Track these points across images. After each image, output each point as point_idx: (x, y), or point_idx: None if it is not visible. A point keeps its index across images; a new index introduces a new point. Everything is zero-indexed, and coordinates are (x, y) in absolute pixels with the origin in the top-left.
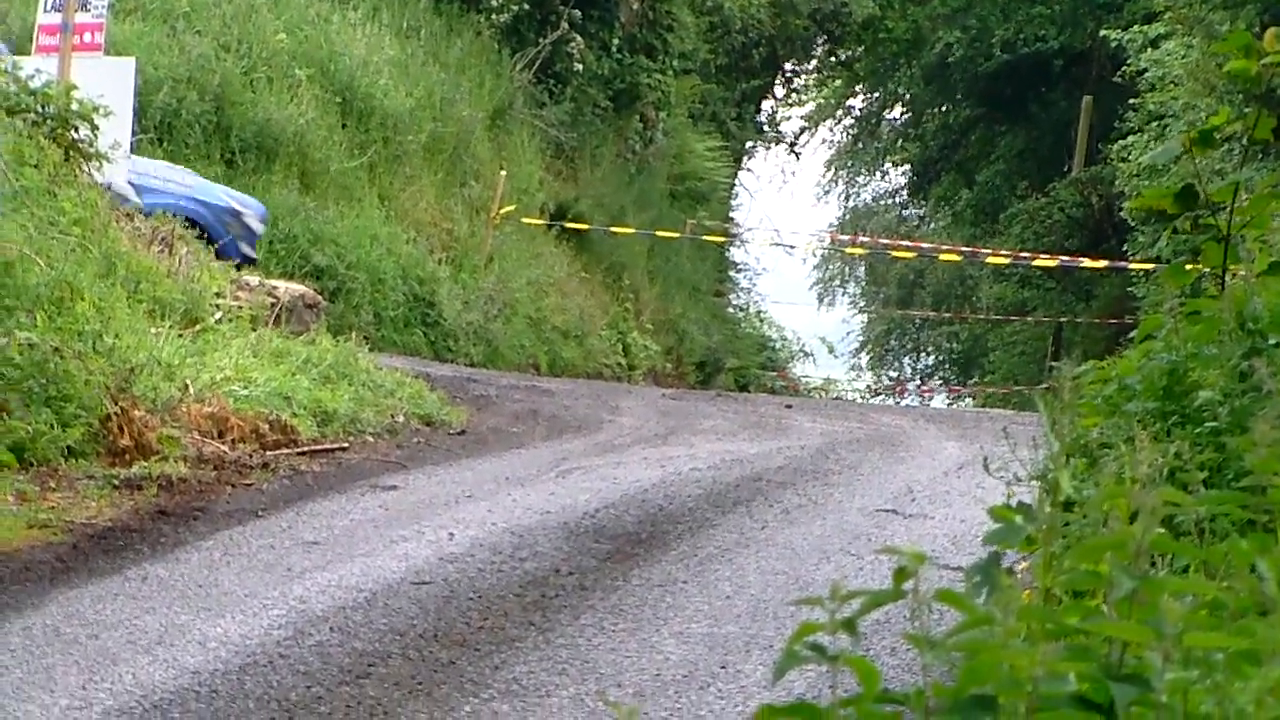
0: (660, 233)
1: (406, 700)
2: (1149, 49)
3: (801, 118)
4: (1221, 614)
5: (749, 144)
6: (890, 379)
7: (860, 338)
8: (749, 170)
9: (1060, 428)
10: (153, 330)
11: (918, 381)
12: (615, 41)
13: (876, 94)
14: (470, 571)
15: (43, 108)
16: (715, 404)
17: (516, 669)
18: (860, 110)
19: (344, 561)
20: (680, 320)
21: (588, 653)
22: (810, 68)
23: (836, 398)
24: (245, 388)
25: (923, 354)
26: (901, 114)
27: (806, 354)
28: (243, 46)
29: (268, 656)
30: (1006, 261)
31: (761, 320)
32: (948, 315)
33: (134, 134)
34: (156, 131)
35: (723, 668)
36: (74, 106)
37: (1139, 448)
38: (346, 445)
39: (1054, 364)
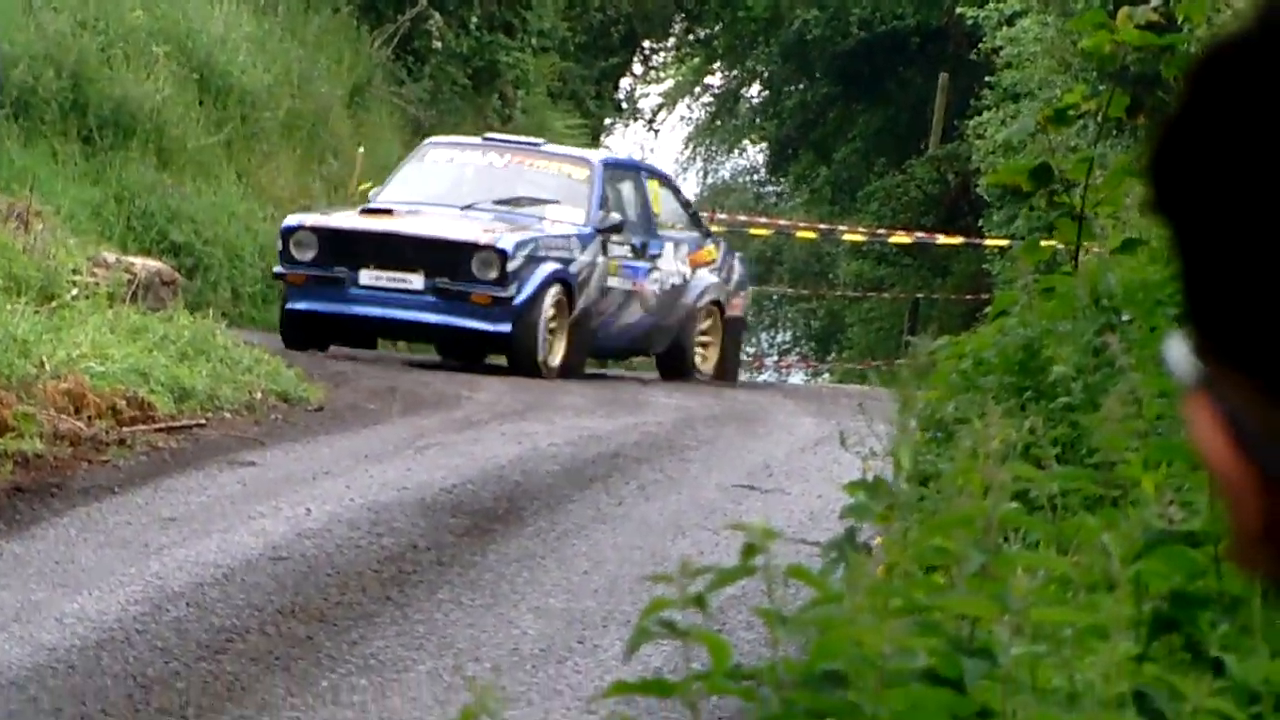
0: None
1: (264, 675)
2: (1004, 26)
3: (660, 95)
4: (1069, 589)
5: (608, 121)
6: (747, 355)
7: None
8: (608, 148)
9: (909, 404)
10: (8, 307)
11: (775, 357)
12: (474, 19)
13: (734, 72)
14: (328, 547)
15: None
16: (573, 380)
17: (374, 644)
18: (718, 88)
19: (201, 538)
20: None
21: (445, 628)
22: (669, 45)
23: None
24: (102, 364)
25: (780, 330)
26: (759, 92)
27: None
28: (100, 23)
29: (125, 633)
30: (863, 238)
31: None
32: (805, 292)
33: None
34: (13, 108)
35: (580, 642)
36: None
37: (991, 423)
38: (204, 422)
39: (910, 339)
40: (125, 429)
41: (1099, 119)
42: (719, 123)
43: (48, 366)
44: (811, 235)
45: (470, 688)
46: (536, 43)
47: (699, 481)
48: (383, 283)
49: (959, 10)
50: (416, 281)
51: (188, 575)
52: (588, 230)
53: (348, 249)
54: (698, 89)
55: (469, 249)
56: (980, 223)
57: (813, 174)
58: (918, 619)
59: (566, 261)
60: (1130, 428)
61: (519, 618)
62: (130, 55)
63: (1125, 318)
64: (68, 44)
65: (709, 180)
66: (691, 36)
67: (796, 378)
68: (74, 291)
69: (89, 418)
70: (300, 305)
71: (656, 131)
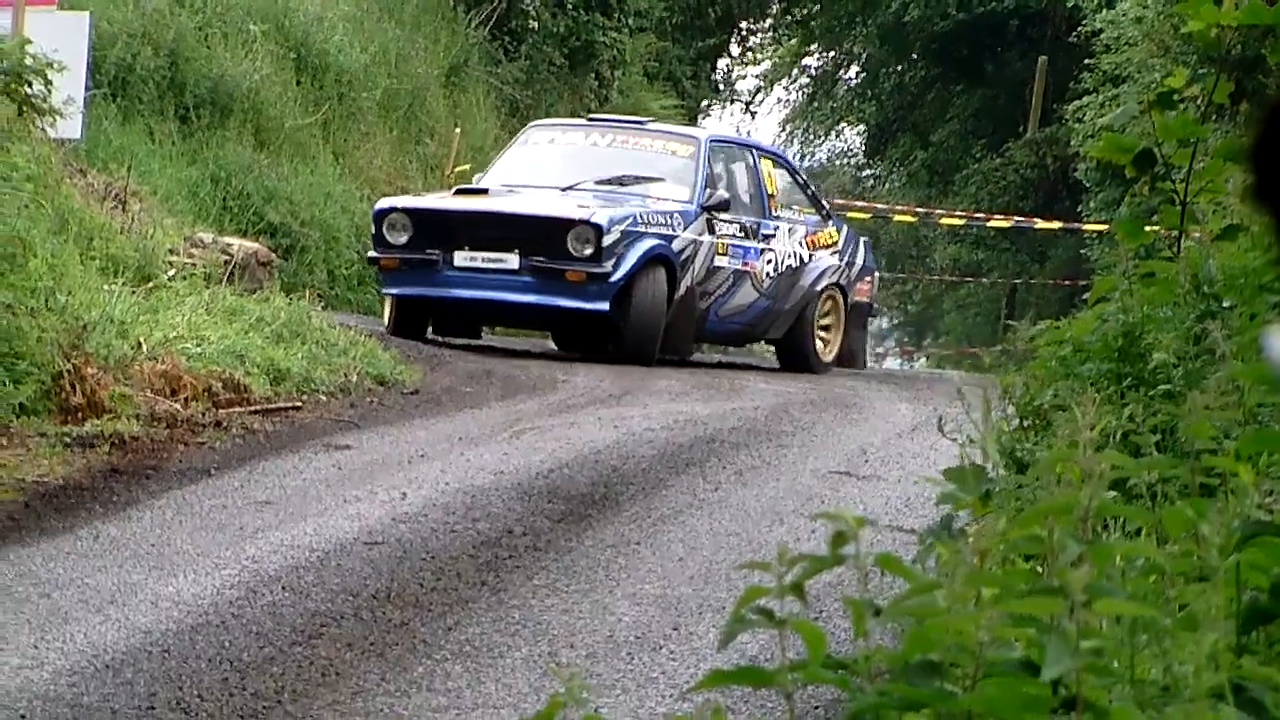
0: None
1: (359, 661)
2: (1104, 9)
3: (757, 77)
4: (1164, 579)
5: (705, 103)
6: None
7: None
8: (699, 132)
9: (1006, 391)
10: (105, 287)
11: (872, 343)
12: None
13: (832, 53)
14: (423, 532)
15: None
16: (670, 364)
17: (469, 630)
18: (816, 70)
19: (296, 521)
20: None
21: (540, 614)
22: (766, 26)
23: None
24: (198, 346)
25: (878, 318)
26: (857, 74)
27: None
28: (197, 1)
29: (220, 616)
30: (961, 222)
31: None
32: (902, 276)
33: (88, 89)
34: (110, 87)
35: (675, 629)
36: (28, 62)
37: (1088, 410)
38: (300, 404)
39: (1009, 323)
40: (221, 411)
41: (1202, 104)
42: (816, 105)
43: (144, 347)
44: (909, 219)
45: (559, 675)
46: (633, 23)
47: (796, 468)
48: (478, 263)
49: None
50: (511, 261)
51: (283, 559)
52: (692, 208)
53: (442, 230)
54: (795, 71)
55: (563, 225)
56: (1079, 208)
57: (910, 157)
58: (1015, 608)
59: (668, 239)
60: (1229, 416)
61: (614, 604)
62: (227, 34)
63: (1226, 304)
64: (165, 22)
65: (806, 163)
66: (789, 17)
67: (892, 363)
68: (170, 272)
69: (185, 399)
70: (394, 290)
71: (754, 113)
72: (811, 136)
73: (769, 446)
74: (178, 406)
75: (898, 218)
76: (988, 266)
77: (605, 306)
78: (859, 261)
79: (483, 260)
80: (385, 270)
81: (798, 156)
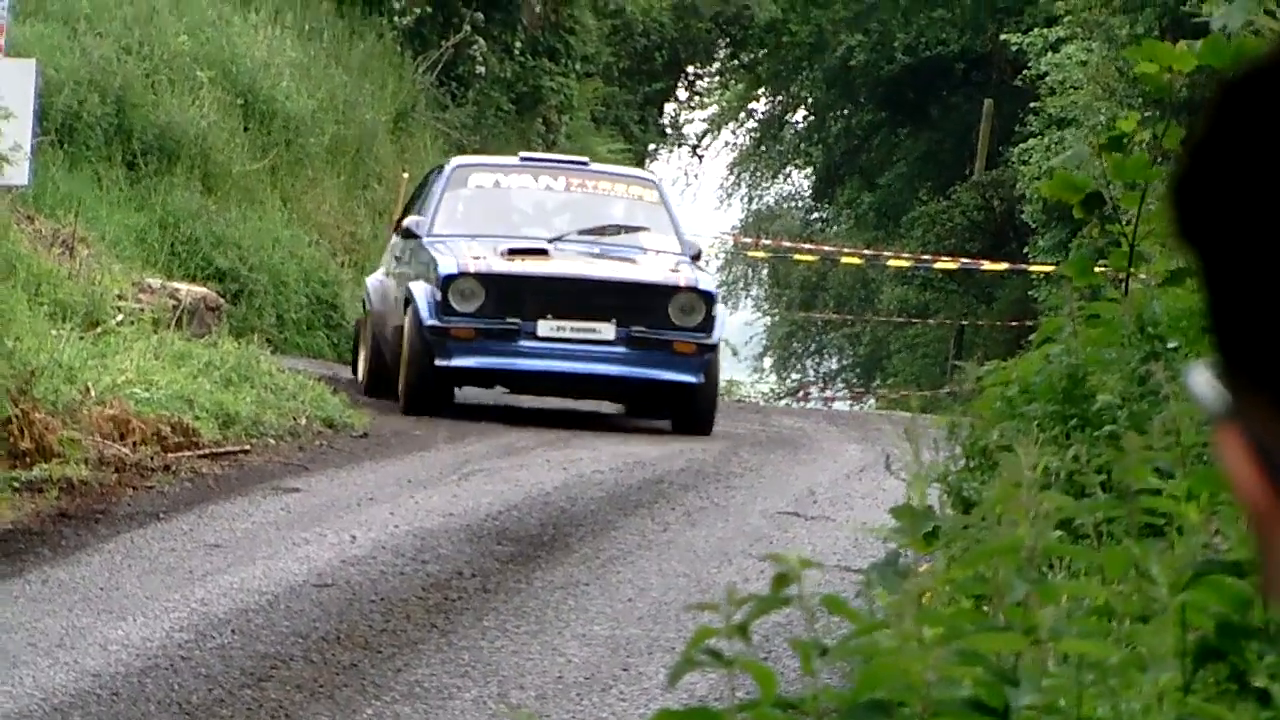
0: None
1: (309, 703)
2: (1049, 53)
3: (704, 120)
4: (1112, 619)
5: (652, 147)
6: (793, 382)
7: (763, 341)
8: (652, 173)
9: (952, 431)
10: (54, 332)
11: (820, 385)
12: (518, 44)
13: (779, 97)
14: (373, 574)
15: None
16: (618, 406)
17: (419, 671)
18: (763, 114)
19: (246, 564)
20: None
21: (490, 655)
22: (713, 70)
23: (739, 401)
24: (147, 390)
25: (825, 357)
26: (804, 118)
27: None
28: (144, 48)
29: (169, 659)
30: (908, 264)
31: None
32: (850, 318)
33: (35, 136)
34: (58, 134)
35: (625, 670)
36: None
37: (1030, 451)
38: (249, 448)
39: (957, 363)
40: (170, 455)
41: (1150, 149)
42: (764, 148)
43: (93, 392)
44: (856, 261)
45: (510, 716)
46: (580, 68)
47: (745, 508)
48: (565, 333)
49: (1003, 37)
50: (606, 331)
51: (232, 602)
52: (688, 259)
53: (521, 296)
54: (742, 115)
55: (666, 292)
56: (1025, 249)
57: (857, 200)
58: (961, 648)
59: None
60: (1170, 456)
61: (564, 645)
62: (174, 80)
63: (1171, 345)
64: (112, 69)
65: (754, 206)
66: (735, 62)
67: (841, 404)
68: (119, 317)
69: (134, 444)
70: (466, 361)
71: (701, 157)
72: (759, 180)
73: (717, 487)
74: (126, 451)
75: (845, 259)
76: (935, 308)
77: (700, 378)
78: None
79: (572, 330)
80: (455, 340)
81: (745, 199)
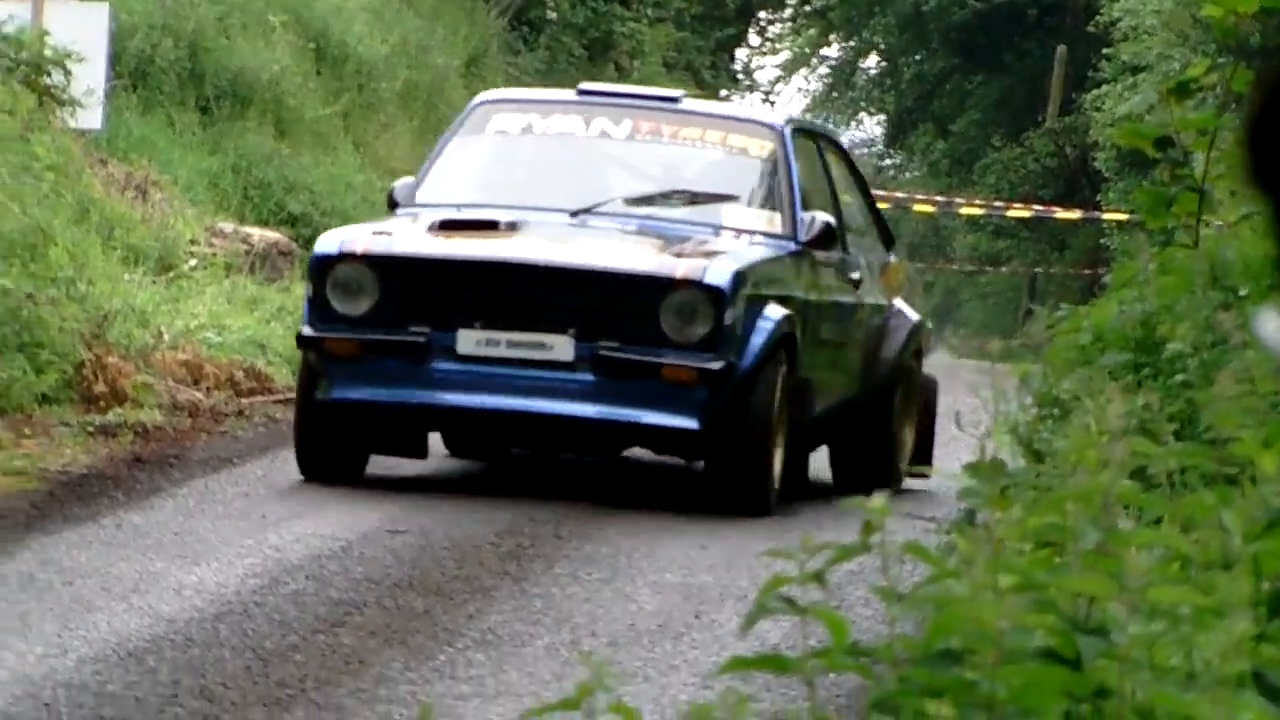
0: None
1: (382, 649)
2: None
3: (776, 66)
4: (1187, 567)
5: (724, 93)
6: None
7: None
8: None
9: (1026, 382)
10: (126, 277)
11: None
12: None
13: (851, 43)
14: (446, 520)
15: (15, 54)
16: None
17: (491, 618)
18: (835, 59)
19: (318, 510)
20: None
21: (562, 602)
22: (785, 16)
23: None
24: (220, 335)
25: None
26: (876, 63)
27: None
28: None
29: (243, 605)
30: (981, 212)
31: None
32: (921, 266)
33: (108, 80)
34: (130, 78)
35: (696, 618)
36: (47, 53)
37: (1109, 399)
38: None
39: (1031, 307)
40: (243, 400)
41: (1219, 93)
42: (836, 95)
43: (166, 337)
44: (929, 209)
45: (585, 662)
46: (652, 13)
47: (819, 459)
48: (499, 350)
49: None
50: (561, 347)
51: (305, 548)
52: (791, 244)
53: (434, 292)
54: (814, 60)
55: (656, 287)
56: (1098, 197)
57: (930, 147)
58: (1034, 596)
59: (787, 302)
60: (1249, 404)
61: (636, 592)
62: (247, 25)
63: (1243, 293)
64: (185, 13)
65: None
66: (807, 7)
67: None
68: (192, 262)
69: (207, 388)
70: (347, 394)
71: (773, 103)
72: (831, 126)
73: None
74: (200, 396)
75: (918, 207)
76: (1007, 255)
77: (697, 424)
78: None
79: (507, 345)
80: (333, 359)
81: None
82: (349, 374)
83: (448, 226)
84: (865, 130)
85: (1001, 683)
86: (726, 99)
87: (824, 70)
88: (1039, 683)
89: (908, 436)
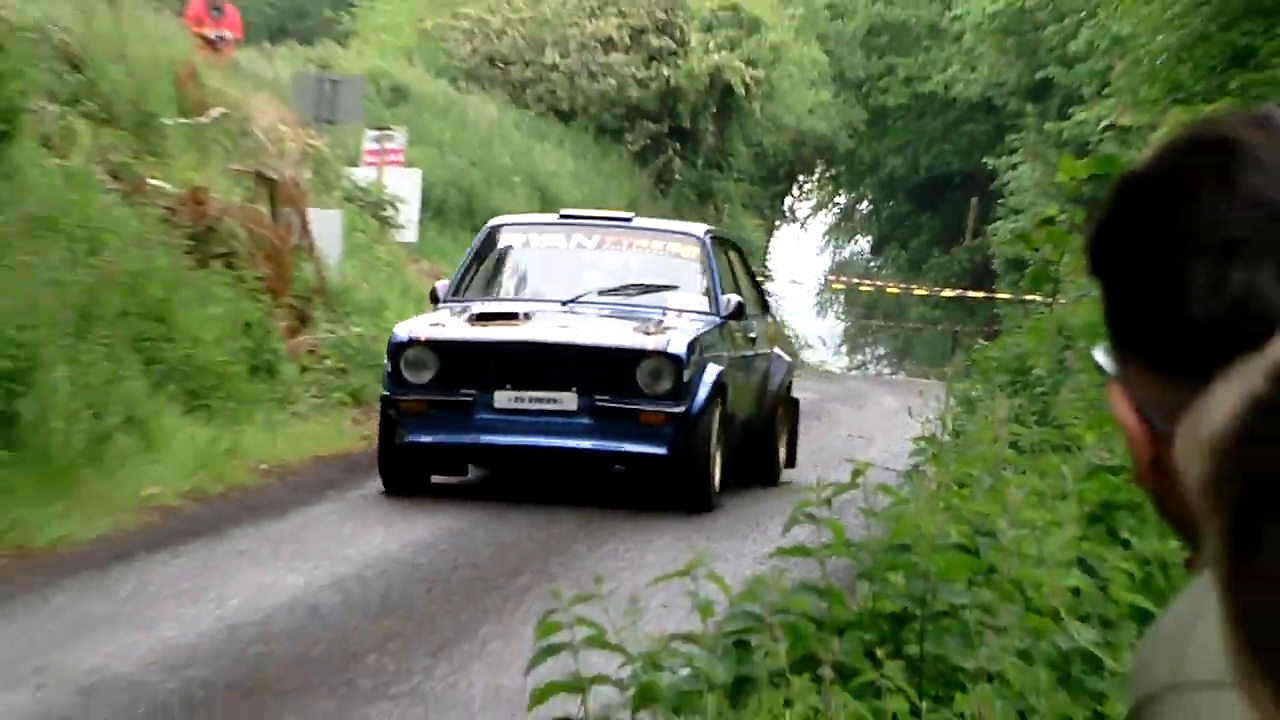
0: None
1: (465, 597)
2: (1011, 170)
3: (809, 207)
4: (1042, 498)
5: (776, 222)
6: (858, 360)
7: (840, 336)
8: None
9: (951, 390)
10: None
11: (874, 363)
12: (700, 160)
13: (852, 194)
14: (487, 518)
15: (367, 197)
16: None
17: (527, 576)
18: (842, 204)
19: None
20: None
21: (590, 559)
22: (814, 177)
23: (826, 371)
24: None
25: (877, 346)
26: (866, 206)
27: (809, 345)
28: (483, 163)
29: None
30: (926, 293)
31: (783, 324)
32: (891, 324)
33: (420, 213)
34: (432, 212)
35: (754, 527)
36: (385, 197)
37: (998, 402)
38: None
39: (954, 351)
40: None
41: (1067, 224)
42: (842, 224)
43: None
44: (896, 291)
45: (693, 552)
46: (736, 175)
47: (827, 434)
48: (524, 404)
49: (984, 160)
50: (568, 401)
51: (412, 535)
52: (717, 320)
53: (476, 365)
54: (831, 204)
55: (633, 357)
56: (994, 285)
57: (898, 255)
58: (954, 514)
59: (720, 360)
60: (1078, 405)
61: (643, 555)
62: (501, 182)
63: (1080, 343)
64: (465, 175)
65: (836, 258)
66: (828, 174)
67: (886, 374)
68: None
69: None
70: (420, 438)
71: (805, 229)
72: (840, 243)
73: (813, 422)
74: None
75: (889, 290)
76: (941, 320)
77: (681, 450)
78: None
79: (529, 400)
80: (406, 414)
81: (832, 254)
82: (418, 424)
83: (482, 318)
84: (859, 245)
85: (933, 563)
86: (778, 227)
87: (836, 210)
88: (954, 564)
89: (783, 445)
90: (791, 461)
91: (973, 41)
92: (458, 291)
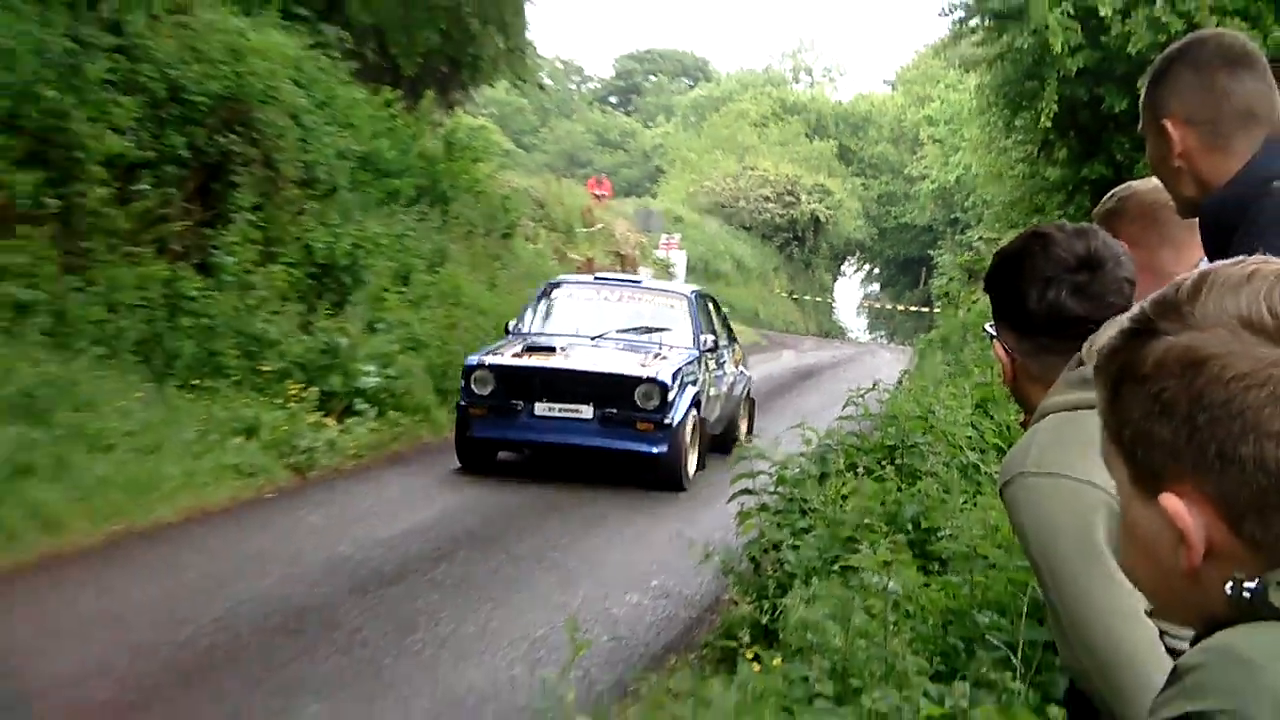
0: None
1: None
2: (941, 255)
3: (852, 270)
4: (955, 396)
5: (839, 277)
6: (873, 337)
7: (865, 326)
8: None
9: (916, 353)
10: None
11: (881, 338)
12: (806, 250)
13: (871, 263)
14: (526, 489)
15: (663, 265)
16: (812, 340)
17: (557, 530)
18: (867, 268)
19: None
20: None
21: (605, 519)
22: (855, 256)
23: (858, 341)
24: None
25: (880, 331)
26: (878, 269)
27: (850, 330)
28: (711, 249)
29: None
30: (904, 308)
31: (839, 323)
32: (887, 321)
33: (685, 273)
34: (689, 273)
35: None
36: (669, 264)
37: (936, 356)
38: None
39: (919, 336)
40: None
41: (962, 281)
42: (867, 275)
43: None
44: (890, 306)
45: (690, 540)
46: (821, 257)
47: (850, 376)
48: (555, 413)
49: (929, 251)
50: (586, 412)
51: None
52: (695, 352)
53: (523, 384)
54: (861, 267)
55: (632, 382)
56: (934, 305)
57: (892, 290)
58: (916, 401)
59: (696, 382)
60: (973, 356)
61: (638, 513)
62: (717, 256)
63: (979, 326)
64: (703, 255)
65: (865, 290)
66: (862, 255)
67: (883, 341)
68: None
69: None
70: (484, 433)
71: (850, 278)
72: (866, 284)
73: (842, 369)
74: None
75: (887, 306)
76: (910, 320)
77: (665, 449)
78: (748, 369)
79: (559, 410)
80: (475, 416)
81: (862, 288)
82: (481, 423)
83: (529, 349)
84: (874, 285)
85: (907, 424)
86: (834, 284)
87: (864, 270)
88: (915, 424)
89: (743, 428)
90: (750, 433)
91: (924, 201)
92: (521, 327)
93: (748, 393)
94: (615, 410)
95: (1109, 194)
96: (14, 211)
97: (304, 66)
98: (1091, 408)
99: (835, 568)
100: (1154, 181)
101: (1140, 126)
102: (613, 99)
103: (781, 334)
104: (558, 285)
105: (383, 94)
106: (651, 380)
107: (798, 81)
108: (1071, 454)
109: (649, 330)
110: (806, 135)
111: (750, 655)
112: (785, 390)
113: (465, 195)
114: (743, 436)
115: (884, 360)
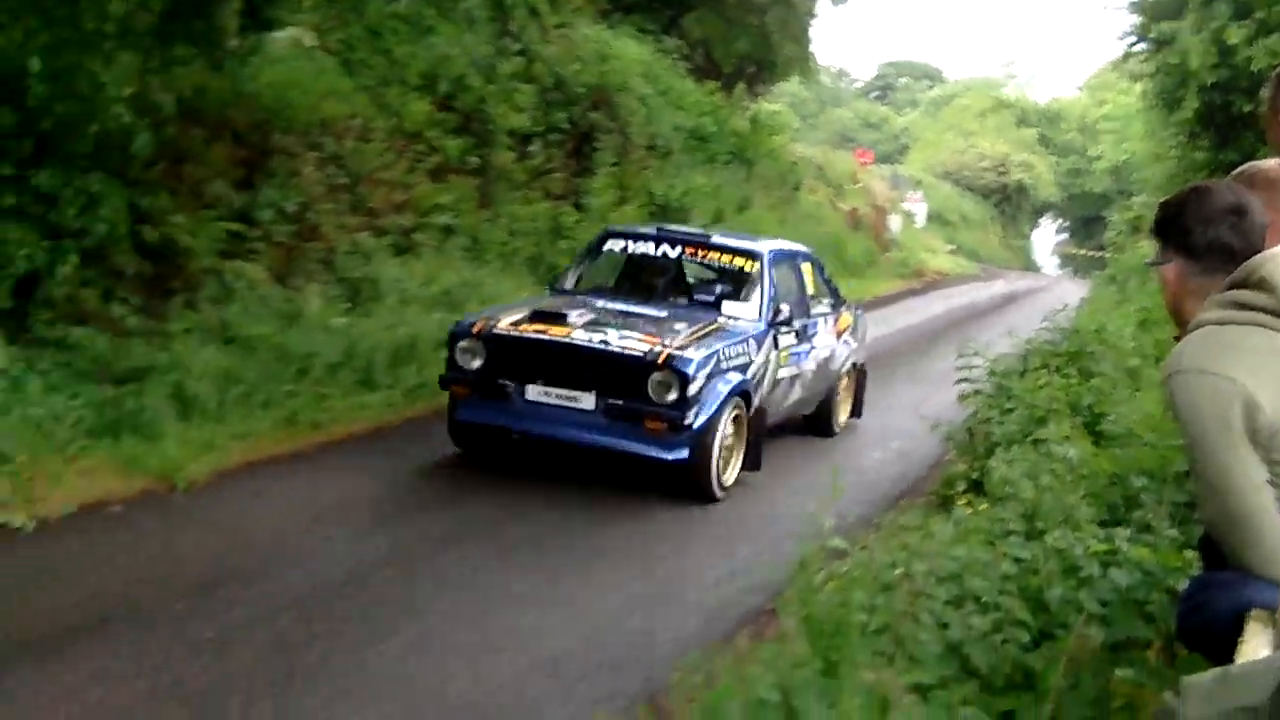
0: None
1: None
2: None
3: None
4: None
5: None
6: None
7: (1057, 263)
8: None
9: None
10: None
11: (1069, 272)
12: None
13: None
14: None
15: (909, 214)
16: (1016, 273)
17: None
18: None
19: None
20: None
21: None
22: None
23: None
24: None
25: (1071, 266)
26: None
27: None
28: (943, 203)
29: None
30: (1089, 253)
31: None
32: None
33: (925, 220)
34: (929, 221)
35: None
36: (913, 212)
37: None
38: None
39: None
40: None
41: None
42: None
43: None
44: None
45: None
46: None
47: (1039, 305)
48: (550, 399)
49: None
50: (586, 401)
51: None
52: (762, 328)
53: (515, 359)
54: None
55: (644, 366)
56: (1109, 250)
57: None
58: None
59: (745, 368)
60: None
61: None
62: (944, 207)
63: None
64: (938, 206)
65: None
66: None
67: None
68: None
69: None
70: (467, 417)
71: None
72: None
73: (1036, 297)
74: None
75: (1071, 251)
76: (1092, 264)
77: (685, 455)
78: (863, 335)
79: (555, 396)
80: (458, 395)
81: None
82: (467, 405)
83: (536, 316)
84: (1061, 233)
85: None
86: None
87: None
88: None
89: (844, 406)
90: (858, 410)
91: (1100, 175)
92: (565, 283)
93: (855, 366)
94: (621, 402)
95: (1238, 170)
96: (449, 166)
97: (650, 66)
98: (1234, 324)
99: (1029, 439)
100: (1274, 161)
101: (1263, 122)
102: (874, 94)
103: (995, 269)
104: (606, 236)
105: (706, 86)
106: (668, 365)
107: (1007, 86)
108: (1217, 356)
109: (707, 296)
110: (1015, 125)
111: (963, 501)
112: (999, 308)
113: (764, 159)
114: (842, 420)
115: (1069, 290)
